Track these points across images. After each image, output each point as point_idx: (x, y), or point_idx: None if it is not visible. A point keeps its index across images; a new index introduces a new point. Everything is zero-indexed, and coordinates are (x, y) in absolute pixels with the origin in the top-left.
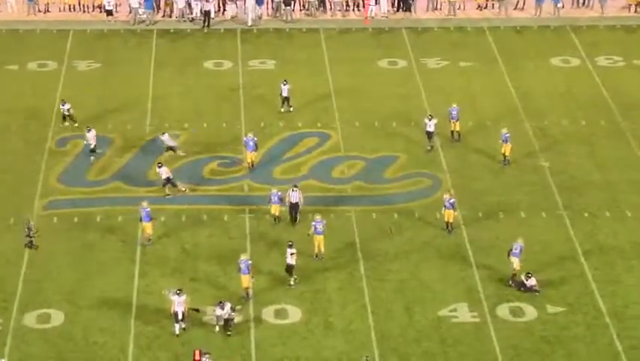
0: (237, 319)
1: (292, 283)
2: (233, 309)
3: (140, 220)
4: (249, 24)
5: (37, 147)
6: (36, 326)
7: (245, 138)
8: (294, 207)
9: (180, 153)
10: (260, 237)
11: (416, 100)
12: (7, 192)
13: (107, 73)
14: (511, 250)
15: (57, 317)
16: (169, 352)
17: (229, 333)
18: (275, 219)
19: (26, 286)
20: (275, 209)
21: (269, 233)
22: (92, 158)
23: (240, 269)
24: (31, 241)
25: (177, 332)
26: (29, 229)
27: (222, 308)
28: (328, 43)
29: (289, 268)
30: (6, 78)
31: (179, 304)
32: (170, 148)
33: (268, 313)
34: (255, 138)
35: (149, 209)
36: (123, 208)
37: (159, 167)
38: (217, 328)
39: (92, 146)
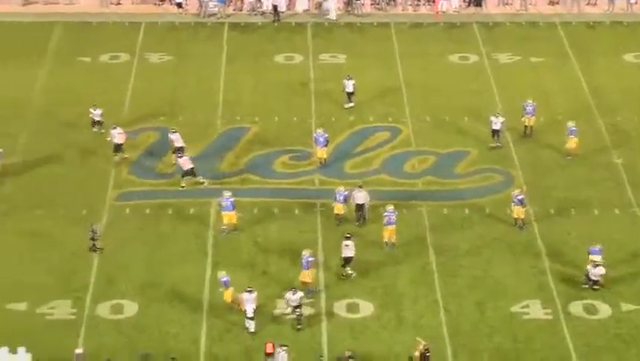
0: (309, 312)
1: (345, 274)
2: (304, 297)
3: (222, 209)
4: (334, 18)
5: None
6: (109, 317)
7: (315, 134)
8: (359, 208)
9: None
10: (330, 231)
11: (487, 95)
12: (80, 183)
13: (179, 65)
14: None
15: (130, 308)
16: (240, 345)
17: (299, 327)
18: (338, 220)
19: (99, 277)
20: (338, 208)
21: (339, 227)
22: (115, 158)
23: (302, 264)
24: (94, 245)
25: (252, 330)
26: (93, 232)
27: (294, 294)
28: (399, 38)
29: (346, 261)
30: (79, 70)
31: (249, 301)
32: (178, 149)
33: (340, 308)
34: (326, 135)
35: (233, 199)
36: (194, 200)
37: (179, 157)
38: (288, 310)
39: (119, 143)
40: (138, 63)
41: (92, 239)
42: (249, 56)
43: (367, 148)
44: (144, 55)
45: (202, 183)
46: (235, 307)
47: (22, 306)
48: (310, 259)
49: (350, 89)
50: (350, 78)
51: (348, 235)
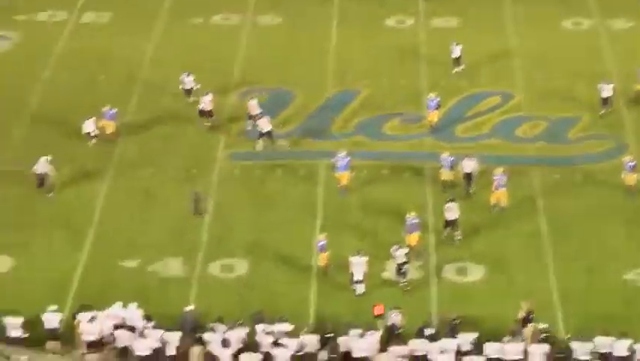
0: (417, 275)
1: (447, 235)
2: (408, 253)
3: (337, 169)
4: None
5: (221, 99)
6: (220, 275)
7: (428, 98)
8: (468, 177)
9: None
10: (440, 194)
11: (601, 61)
12: (191, 142)
13: (290, 28)
14: None
15: (240, 267)
16: (350, 307)
17: (404, 282)
18: (445, 186)
19: (210, 237)
20: (446, 175)
21: (446, 194)
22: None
23: (406, 227)
24: (197, 208)
25: (358, 292)
26: (196, 195)
27: (397, 250)
28: (512, 2)
29: (448, 223)
30: (191, 32)
31: (358, 265)
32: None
33: (449, 271)
34: (438, 99)
35: (348, 158)
36: (304, 162)
37: (259, 118)
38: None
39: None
40: (250, 25)
41: (195, 201)
42: (360, 20)
43: (478, 112)
44: (256, 17)
45: (284, 145)
46: (328, 271)
47: (133, 263)
48: (414, 221)
49: (457, 53)
50: (457, 44)
51: (452, 198)
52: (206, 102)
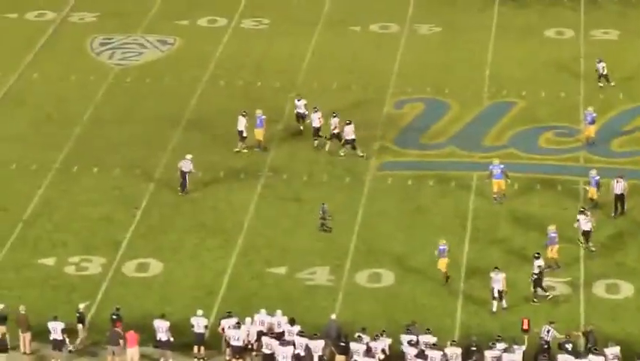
0: (565, 291)
1: (582, 245)
2: (543, 266)
3: (493, 177)
4: None
5: (375, 108)
6: (367, 285)
7: (585, 112)
8: (618, 198)
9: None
10: (597, 208)
11: None
12: (348, 152)
13: (447, 37)
14: None
15: (387, 278)
16: (497, 321)
17: (535, 293)
18: (593, 204)
19: (359, 246)
20: (592, 193)
21: (602, 205)
22: (315, 142)
23: (550, 239)
24: (323, 224)
25: (494, 310)
26: (324, 212)
27: (537, 258)
28: None
29: (584, 234)
30: (349, 39)
31: (496, 281)
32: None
33: (599, 287)
34: (595, 114)
35: (503, 166)
36: (456, 173)
37: (348, 123)
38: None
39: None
40: (407, 34)
41: (322, 218)
42: (519, 30)
43: (636, 127)
44: (414, 26)
45: (361, 156)
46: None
47: (282, 270)
48: (553, 234)
49: (601, 71)
50: (600, 61)
51: (582, 209)
52: (316, 119)
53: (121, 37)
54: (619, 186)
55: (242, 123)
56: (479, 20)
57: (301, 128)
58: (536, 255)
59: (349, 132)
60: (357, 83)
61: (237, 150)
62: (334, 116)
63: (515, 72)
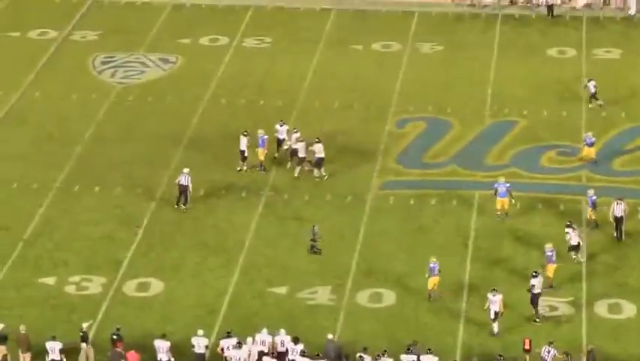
0: (567, 311)
1: (574, 257)
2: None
3: (497, 195)
4: (632, 13)
5: (377, 127)
6: (368, 305)
7: (584, 136)
8: (618, 221)
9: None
10: (590, 230)
11: None
12: (345, 168)
13: (450, 56)
14: None
15: (389, 297)
16: (498, 341)
17: (536, 315)
18: (592, 225)
19: (360, 265)
20: (589, 213)
21: (592, 231)
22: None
23: (547, 257)
24: (313, 246)
25: (495, 331)
26: (314, 233)
27: (535, 276)
28: None
29: (570, 248)
30: (351, 58)
31: (493, 303)
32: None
33: (601, 307)
34: (594, 139)
35: (508, 185)
36: (458, 192)
37: (318, 142)
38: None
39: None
40: (409, 52)
41: (312, 240)
42: (521, 49)
43: (637, 146)
44: (415, 44)
45: (323, 176)
46: (434, 295)
47: (283, 290)
48: (549, 253)
49: (592, 90)
50: (590, 80)
51: (569, 223)
52: (293, 140)
53: (123, 55)
54: (619, 209)
55: (243, 143)
56: (481, 39)
57: (275, 155)
58: (534, 273)
59: (319, 151)
60: (359, 102)
61: (239, 169)
62: (295, 132)
63: (517, 91)
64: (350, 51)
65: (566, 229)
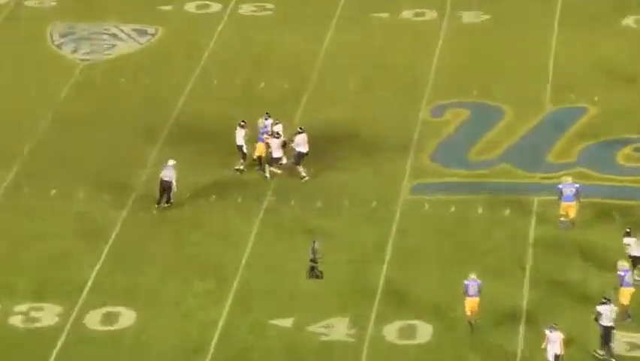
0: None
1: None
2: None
3: (562, 199)
4: None
5: (410, 113)
6: (397, 341)
7: None
8: None
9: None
10: None
11: None
12: (368, 168)
13: (499, 27)
14: None
15: (424, 330)
16: None
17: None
18: None
19: (389, 289)
20: None
21: None
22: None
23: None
24: (313, 268)
25: None
26: (314, 252)
27: (605, 303)
28: None
29: (634, 260)
30: (374, 29)
31: (552, 342)
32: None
33: None
34: None
35: (578, 185)
36: (512, 197)
37: (300, 132)
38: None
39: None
40: (448, 22)
41: (312, 260)
42: (588, 20)
43: None
44: (456, 12)
45: (304, 177)
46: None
47: (289, 322)
48: (623, 273)
49: None
50: None
51: (628, 230)
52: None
53: (88, 25)
54: None
55: (240, 136)
56: (539, 6)
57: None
58: (604, 300)
59: (302, 143)
60: (384, 84)
61: (237, 168)
62: (276, 123)
63: (586, 72)
64: (373, 20)
65: (624, 238)
